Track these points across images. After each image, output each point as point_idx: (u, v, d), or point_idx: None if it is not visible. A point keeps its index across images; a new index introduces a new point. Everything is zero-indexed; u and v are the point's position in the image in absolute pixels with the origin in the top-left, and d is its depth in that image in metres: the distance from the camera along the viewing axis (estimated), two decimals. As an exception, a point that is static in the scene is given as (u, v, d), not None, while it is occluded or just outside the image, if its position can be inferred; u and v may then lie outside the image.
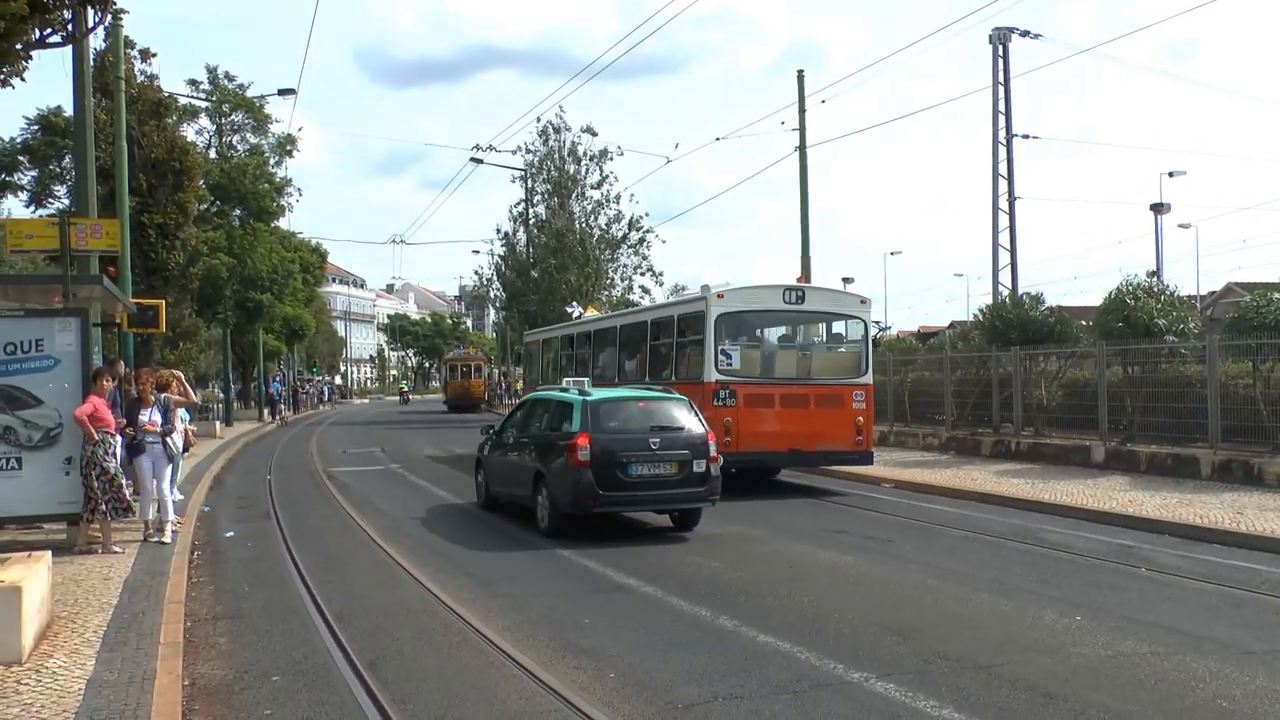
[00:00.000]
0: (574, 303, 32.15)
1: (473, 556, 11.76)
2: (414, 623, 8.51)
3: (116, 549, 11.18)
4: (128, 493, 11.53)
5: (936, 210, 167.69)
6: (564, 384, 14.81)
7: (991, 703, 6.24)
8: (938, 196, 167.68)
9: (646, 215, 50.58)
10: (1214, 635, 7.83)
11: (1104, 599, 9.14)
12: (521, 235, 48.19)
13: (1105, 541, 12.18)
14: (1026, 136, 38.52)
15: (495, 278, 50.13)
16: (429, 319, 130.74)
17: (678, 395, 14.28)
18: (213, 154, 37.75)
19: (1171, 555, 11.28)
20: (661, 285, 48.11)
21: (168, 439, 12.32)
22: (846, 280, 73.07)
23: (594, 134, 46.49)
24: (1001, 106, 35.58)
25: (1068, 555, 11.41)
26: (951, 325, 48.07)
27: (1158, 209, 44.80)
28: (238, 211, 38.41)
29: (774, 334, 19.01)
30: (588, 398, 13.31)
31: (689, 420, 13.36)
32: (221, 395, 47.96)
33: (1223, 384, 17.16)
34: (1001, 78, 35.66)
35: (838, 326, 18.99)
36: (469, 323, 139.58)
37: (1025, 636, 7.85)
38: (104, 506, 11.15)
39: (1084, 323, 24.59)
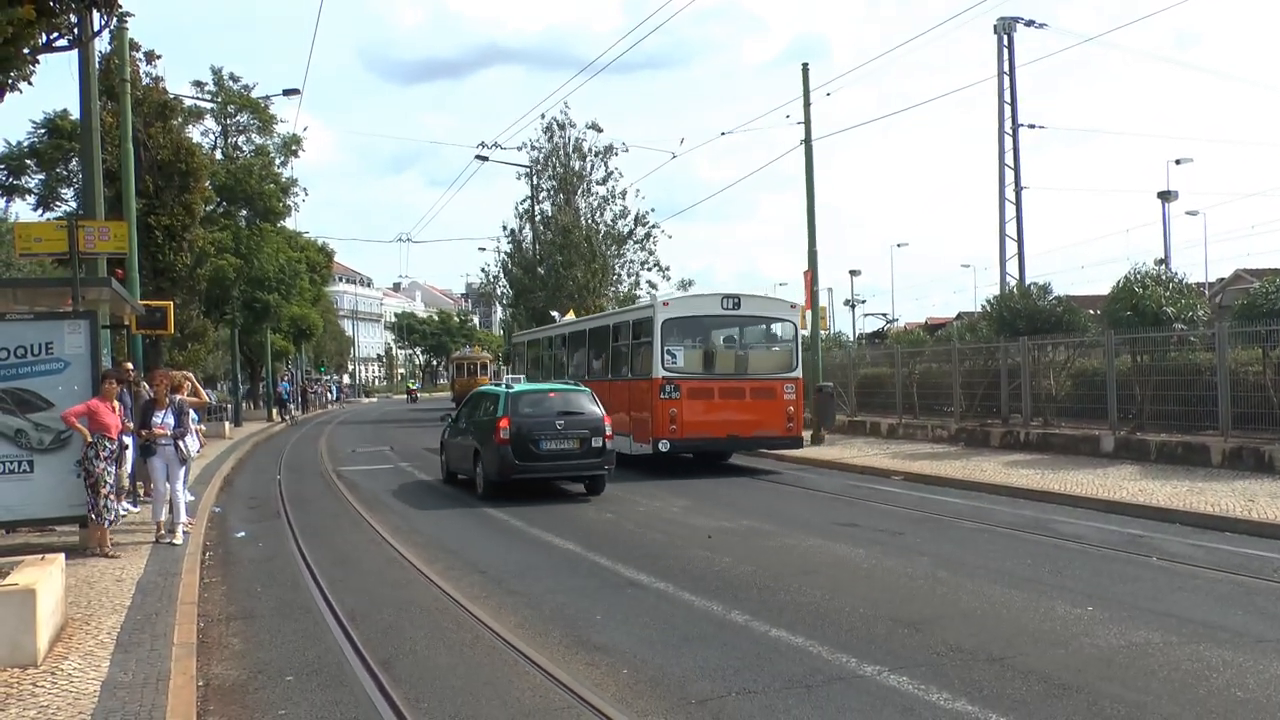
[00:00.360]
0: (554, 311, 33.90)
1: (484, 553, 11.77)
2: (426, 621, 8.53)
3: (111, 553, 11.12)
4: (119, 502, 11.55)
5: (943, 201, 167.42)
6: (504, 380, 17.43)
7: (1004, 694, 6.24)
8: (944, 188, 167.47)
9: (652, 211, 50.69)
10: (1227, 624, 7.81)
11: (1116, 589, 9.13)
12: (528, 232, 48.11)
13: (1116, 531, 12.17)
14: (1032, 126, 38.83)
15: (502, 275, 50.01)
16: (436, 317, 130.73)
17: (582, 387, 18.08)
18: (219, 155, 37.86)
19: (1183, 544, 11.26)
20: (669, 280, 47.98)
21: (180, 442, 12.34)
22: (854, 273, 73.21)
23: (599, 130, 46.42)
24: (1007, 97, 35.56)
25: (1079, 545, 11.39)
26: (959, 316, 48.03)
27: (1165, 196, 44.61)
28: (244, 212, 38.51)
29: (715, 336, 21.27)
30: (510, 390, 16.92)
31: (590, 406, 16.90)
32: (230, 396, 48.12)
33: (1232, 371, 17.11)
34: (1006, 68, 35.63)
35: (771, 328, 21.36)
36: (476, 320, 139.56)
37: (1037, 628, 7.84)
38: (89, 512, 11.21)
39: (1092, 312, 24.55)
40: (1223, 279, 52.90)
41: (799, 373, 20.94)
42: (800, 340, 21.57)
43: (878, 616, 8.23)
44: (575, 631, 8.02)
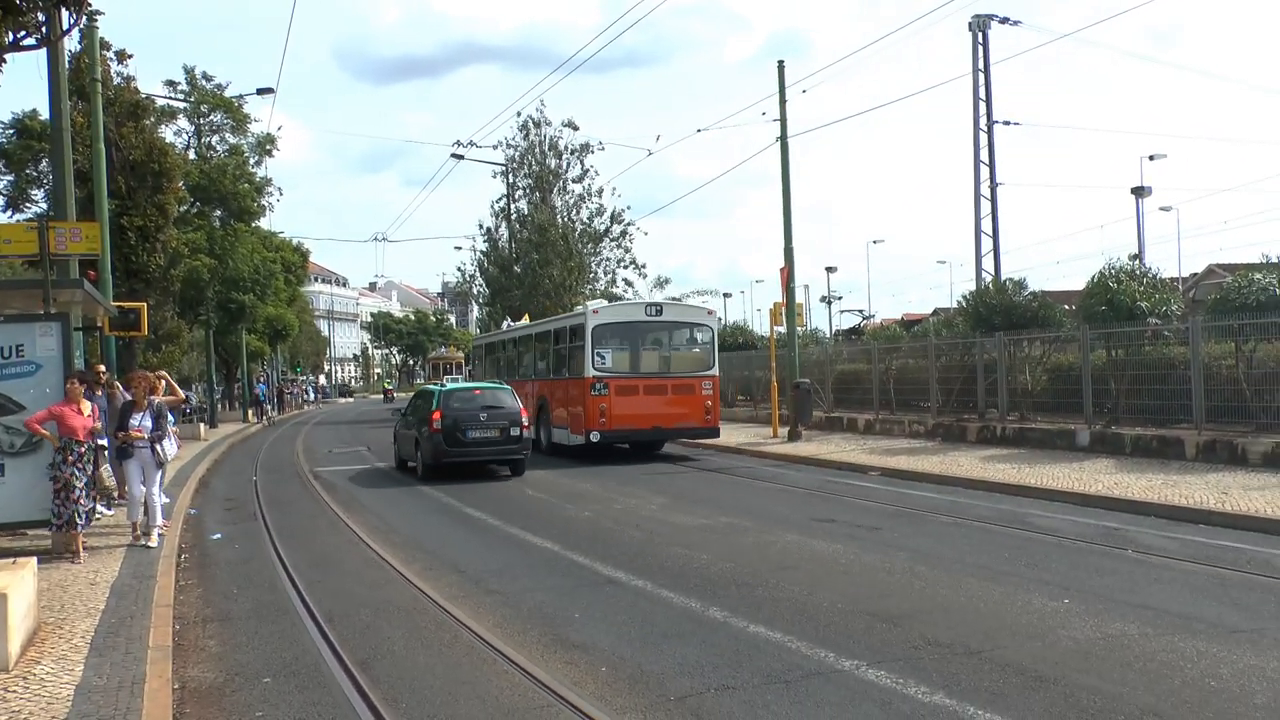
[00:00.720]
0: (506, 319, 35.86)
1: (462, 553, 11.74)
2: (404, 621, 8.50)
3: (71, 561, 10.92)
4: (95, 504, 11.45)
5: (919, 198, 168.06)
6: (443, 380, 20.94)
7: (982, 687, 6.26)
8: (920, 184, 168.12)
9: (629, 208, 50.69)
10: (1201, 615, 7.87)
11: (1092, 581, 9.18)
12: (504, 230, 47.99)
13: (1092, 524, 12.24)
14: (1008, 123, 38.79)
15: (478, 274, 49.86)
16: (412, 317, 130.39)
17: (504, 385, 21.43)
18: (192, 155, 37.50)
19: (1158, 536, 11.34)
20: (645, 278, 48.10)
21: (156, 445, 12.20)
22: (830, 269, 73.77)
23: (575, 128, 46.42)
24: (982, 93, 35.69)
25: (1055, 539, 11.45)
26: (935, 312, 48.23)
27: (1139, 192, 44.98)
28: (218, 212, 38.15)
29: (640, 339, 23.49)
30: (443, 388, 20.19)
31: (509, 401, 19.93)
32: (205, 398, 47.82)
33: (1206, 365, 17.25)
34: (982, 65, 35.76)
35: (690, 333, 24.03)
36: (452, 319, 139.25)
37: (1014, 621, 7.88)
38: (53, 518, 11.12)
39: (1067, 307, 24.66)
40: (1196, 274, 53.35)
41: (715, 371, 23.47)
42: (716, 342, 23.96)
43: (856, 611, 8.25)
44: (554, 630, 8.01)
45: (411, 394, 31.75)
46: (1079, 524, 12.30)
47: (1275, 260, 18.39)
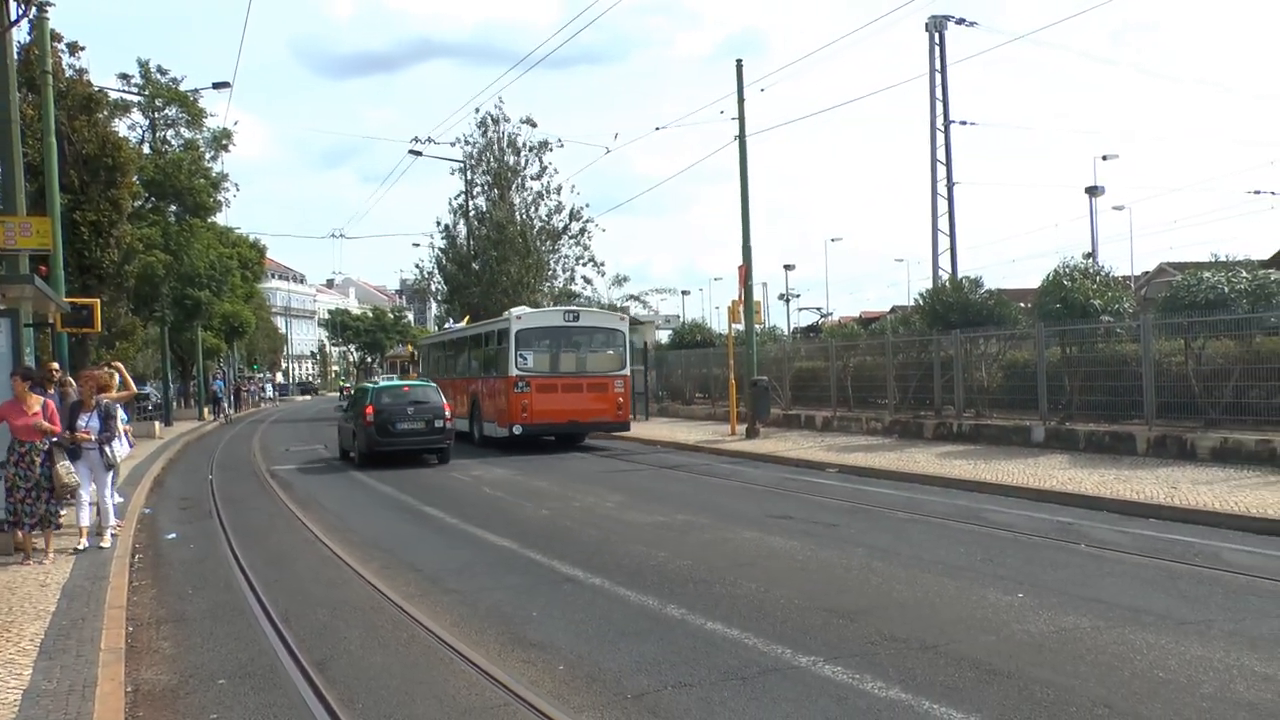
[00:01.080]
0: (450, 319, 38.34)
1: (420, 552, 11.69)
2: (362, 620, 8.45)
3: (21, 563, 10.76)
4: (50, 505, 11.29)
5: (877, 196, 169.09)
6: (379, 378, 23.44)
7: (937, 681, 6.33)
8: (879, 183, 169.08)
9: (587, 206, 50.38)
10: (1151, 608, 7.99)
11: (1046, 576, 9.29)
12: (462, 228, 47.77)
13: (1046, 519, 12.39)
14: (964, 123, 38.97)
15: (436, 271, 49.63)
16: (370, 314, 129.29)
17: (430, 383, 24.53)
18: (146, 149, 36.97)
19: (1110, 531, 11.51)
20: (603, 275, 48.21)
21: (105, 447, 11.95)
22: (788, 267, 73.99)
23: (533, 125, 46.32)
24: (939, 94, 36.00)
25: (1010, 534, 11.58)
26: (893, 310, 48.54)
27: (1092, 192, 45.62)
28: (173, 208, 37.65)
29: (559, 342, 25.64)
30: (375, 385, 23.53)
31: (435, 397, 22.44)
32: (160, 395, 47.27)
33: (1157, 362, 17.51)
34: (938, 65, 36.06)
35: (605, 336, 26.16)
36: (411, 317, 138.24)
37: (970, 615, 7.96)
38: (6, 516, 10.96)
39: (1023, 305, 24.93)
40: (1148, 272, 54.02)
41: (627, 371, 25.94)
42: (629, 345, 26.56)
43: (813, 608, 8.30)
44: (511, 629, 7.99)
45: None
46: (1034, 519, 12.45)
47: (1223, 259, 18.69)
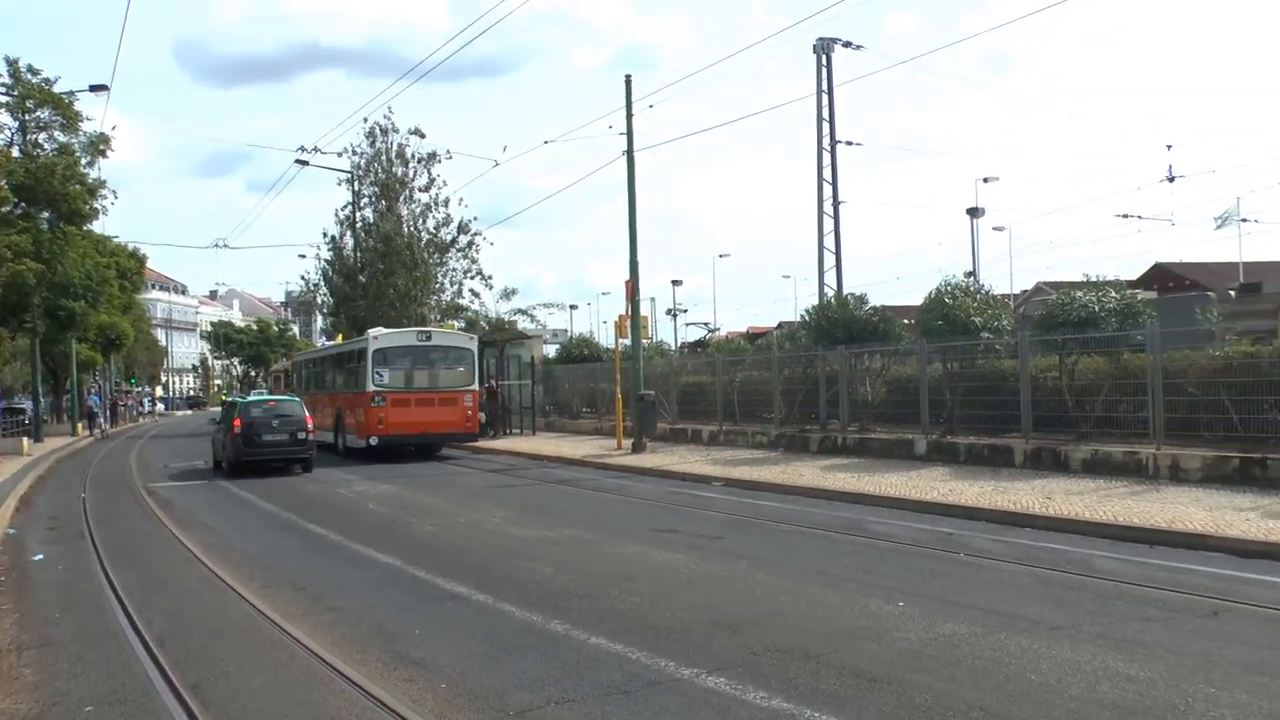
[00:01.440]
0: (323, 338, 39.07)
1: (303, 570, 11.44)
2: (240, 642, 8.22)
3: None
4: None
5: (766, 213, 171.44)
6: (252, 393, 25.85)
7: (819, 690, 6.41)
8: (767, 200, 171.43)
9: (476, 219, 50.06)
10: (1025, 614, 8.23)
11: (926, 585, 9.51)
12: (349, 239, 47.02)
13: (927, 530, 12.68)
14: (850, 143, 39.65)
15: (322, 283, 48.73)
16: (255, 326, 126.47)
17: (295, 397, 26.50)
18: (16, 152, 35.57)
19: (988, 540, 11.83)
20: (491, 289, 47.99)
21: None
22: (676, 283, 74.79)
23: (422, 136, 45.86)
24: (825, 114, 36.63)
25: (892, 544, 11.83)
26: (779, 326, 49.32)
27: (973, 213, 47.00)
28: (46, 214, 36.25)
29: (413, 360, 27.68)
30: (244, 400, 25.45)
31: (298, 411, 23.96)
32: (31, 410, 45.45)
33: (1034, 377, 18.11)
34: (825, 86, 36.73)
35: (456, 354, 28.24)
36: (296, 330, 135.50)
37: (852, 625, 8.09)
38: None
39: (906, 321, 25.51)
40: (1026, 290, 55.88)
41: (475, 386, 28.14)
42: (477, 362, 28.68)
43: (697, 620, 8.34)
44: (394, 647, 7.86)
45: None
46: (915, 530, 12.73)
47: (1094, 279, 19.42)
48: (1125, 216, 60.30)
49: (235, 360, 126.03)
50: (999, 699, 6.16)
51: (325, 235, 47.84)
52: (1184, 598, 8.74)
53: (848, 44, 36.88)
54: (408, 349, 27.68)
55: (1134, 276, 49.01)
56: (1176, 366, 16.29)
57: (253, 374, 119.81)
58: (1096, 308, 17.35)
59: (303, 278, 50.80)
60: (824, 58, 36.55)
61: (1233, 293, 32.46)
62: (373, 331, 28.43)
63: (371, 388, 26.40)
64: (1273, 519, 11.71)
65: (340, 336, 37.34)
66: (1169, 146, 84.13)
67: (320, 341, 65.81)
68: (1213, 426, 15.55)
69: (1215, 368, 15.95)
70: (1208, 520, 11.83)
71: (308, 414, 24.14)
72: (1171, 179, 44.81)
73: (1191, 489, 14.13)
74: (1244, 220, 45.06)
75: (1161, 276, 50.01)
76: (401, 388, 27.01)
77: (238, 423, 22.96)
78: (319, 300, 51.41)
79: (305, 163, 42.15)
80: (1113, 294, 17.79)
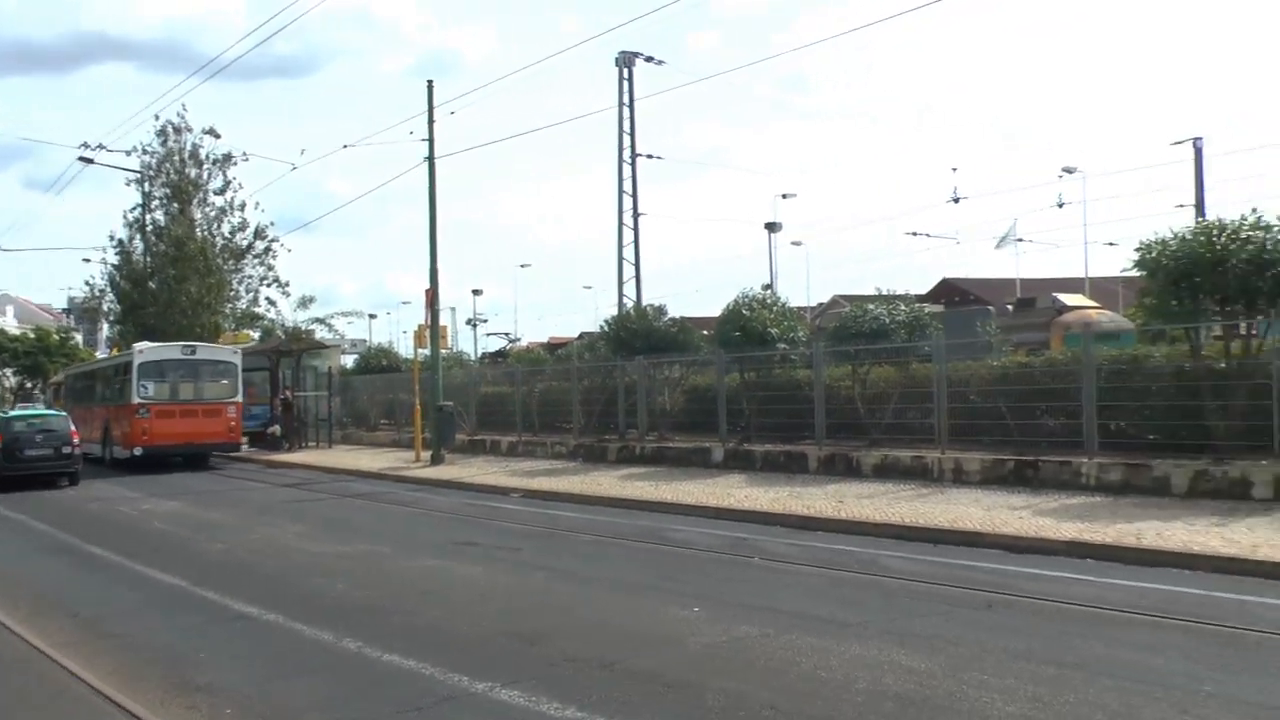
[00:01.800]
0: (108, 347, 37.90)
1: (80, 594, 10.74)
2: (3, 678, 7.60)
3: None
4: None
5: (568, 224, 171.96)
6: (29, 405, 27.19)
7: (614, 697, 6.40)
8: (569, 210, 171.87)
9: (273, 224, 48.31)
10: (817, 614, 8.48)
11: (721, 589, 9.67)
12: (138, 243, 44.64)
13: (724, 536, 12.91)
14: (650, 156, 40.29)
15: (109, 289, 46.06)
16: (32, 334, 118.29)
17: (61, 412, 27.34)
18: None
19: (783, 544, 12.14)
20: (288, 297, 46.62)
21: None
22: (476, 292, 74.16)
23: (217, 136, 44.21)
24: (627, 127, 37.13)
25: (689, 551, 12.00)
26: (580, 336, 49.50)
27: (771, 228, 48.54)
28: None
29: (177, 373, 28.23)
30: (6, 415, 25.65)
31: (62, 425, 24.13)
32: None
33: (828, 386, 18.72)
34: (627, 100, 37.21)
35: (221, 367, 28.89)
36: (79, 338, 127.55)
37: (648, 631, 8.15)
38: None
39: (705, 332, 26.02)
40: (822, 303, 57.96)
41: (239, 398, 28.90)
42: (240, 375, 29.09)
43: (493, 633, 8.24)
44: (177, 672, 7.44)
45: None
46: (712, 536, 12.95)
47: (886, 293, 20.29)
48: (914, 234, 63.38)
49: (9, 371, 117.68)
50: (790, 697, 6.30)
51: (112, 238, 45.23)
52: (961, 592, 9.19)
53: (649, 59, 37.51)
54: (173, 362, 28.29)
55: (924, 290, 51.61)
56: (960, 375, 17.18)
57: (29, 385, 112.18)
58: (888, 320, 18.09)
59: (88, 283, 47.65)
60: (625, 71, 37.03)
61: (1010, 307, 34.57)
62: (139, 345, 29.01)
63: (136, 400, 26.88)
64: (1042, 516, 12.46)
65: (116, 349, 36.87)
66: (954, 169, 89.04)
67: (105, 350, 62.32)
68: (991, 431, 16.43)
69: (993, 376, 16.92)
70: (984, 519, 12.49)
71: (73, 427, 24.31)
72: (956, 200, 47.46)
73: (973, 490, 14.88)
74: (1020, 240, 47.92)
75: (949, 291, 52.90)
76: (166, 399, 27.60)
77: (0, 439, 22.90)
78: (105, 307, 48.68)
79: (90, 160, 39.56)
80: (902, 307, 18.65)
